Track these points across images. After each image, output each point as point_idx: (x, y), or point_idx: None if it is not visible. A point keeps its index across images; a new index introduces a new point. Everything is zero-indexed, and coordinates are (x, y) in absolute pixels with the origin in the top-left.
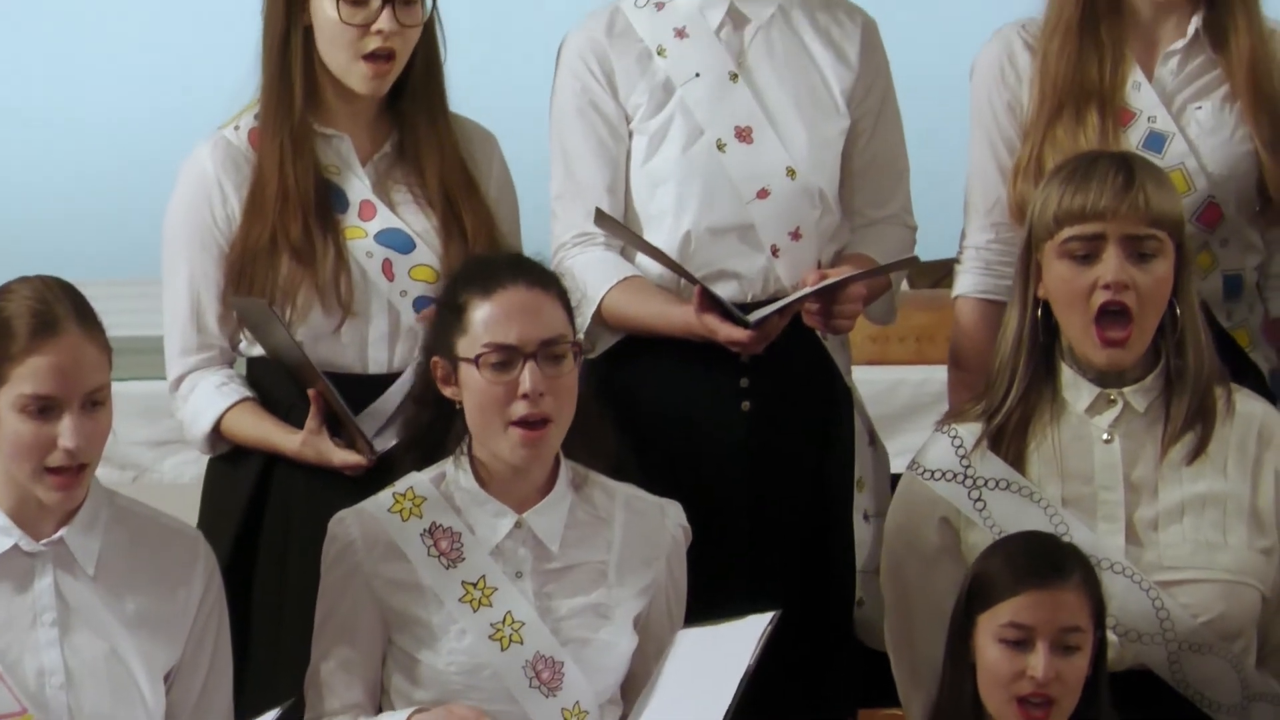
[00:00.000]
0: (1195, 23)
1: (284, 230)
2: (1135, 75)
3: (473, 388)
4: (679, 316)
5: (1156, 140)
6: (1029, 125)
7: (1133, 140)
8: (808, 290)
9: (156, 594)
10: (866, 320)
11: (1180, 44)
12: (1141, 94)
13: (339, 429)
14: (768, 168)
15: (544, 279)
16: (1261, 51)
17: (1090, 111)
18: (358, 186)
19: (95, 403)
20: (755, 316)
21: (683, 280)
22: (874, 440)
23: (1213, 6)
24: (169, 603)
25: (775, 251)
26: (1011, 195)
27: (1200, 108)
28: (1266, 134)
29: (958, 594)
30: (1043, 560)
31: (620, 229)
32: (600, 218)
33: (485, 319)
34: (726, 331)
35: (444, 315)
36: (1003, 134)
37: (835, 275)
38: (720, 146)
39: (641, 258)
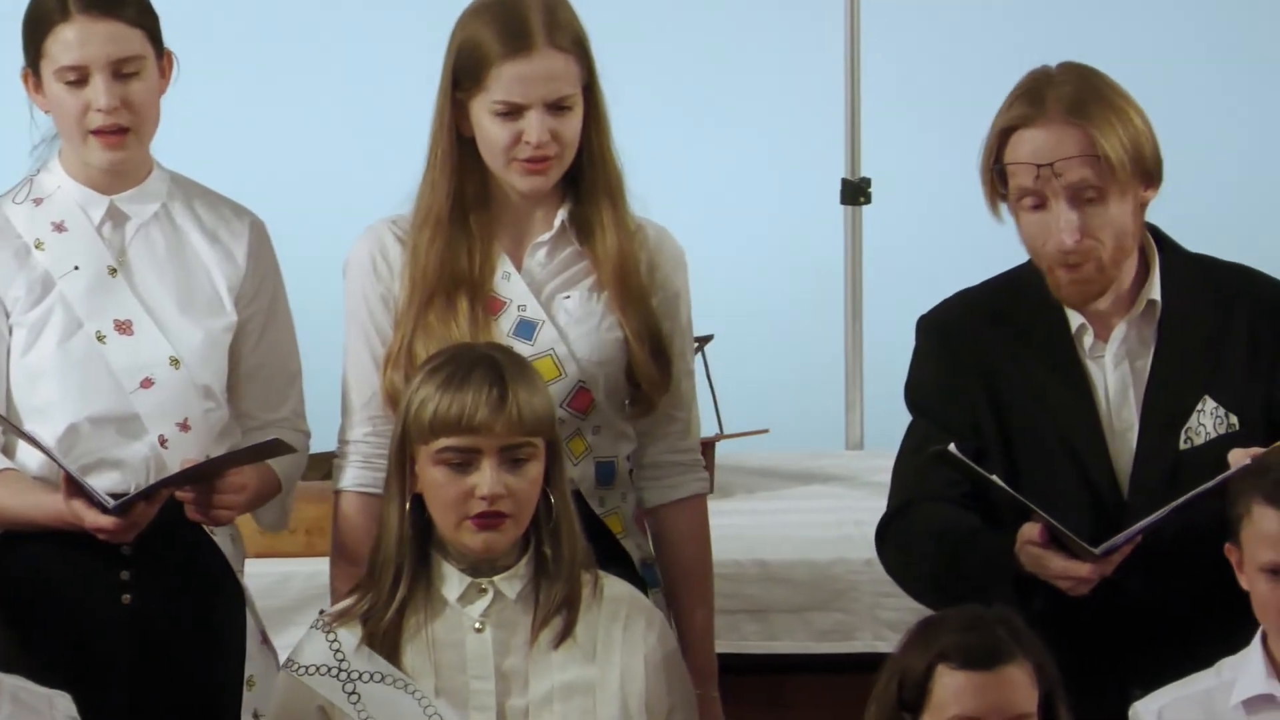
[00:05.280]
0: (562, 215)
1: None
2: (505, 265)
3: None
4: (50, 505)
5: (527, 328)
6: (400, 315)
7: (504, 328)
8: (167, 477)
9: None
10: (258, 526)
11: (547, 236)
12: (511, 283)
13: None
14: (150, 359)
15: None
16: (627, 247)
17: (461, 299)
18: None
19: None
20: (116, 503)
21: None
22: (266, 639)
23: (578, 200)
24: None
25: (163, 442)
26: (383, 384)
27: (568, 297)
28: (635, 325)
29: None
30: None
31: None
32: None
33: None
34: (92, 518)
35: None
36: (377, 327)
37: (193, 462)
38: (100, 338)
39: (25, 450)
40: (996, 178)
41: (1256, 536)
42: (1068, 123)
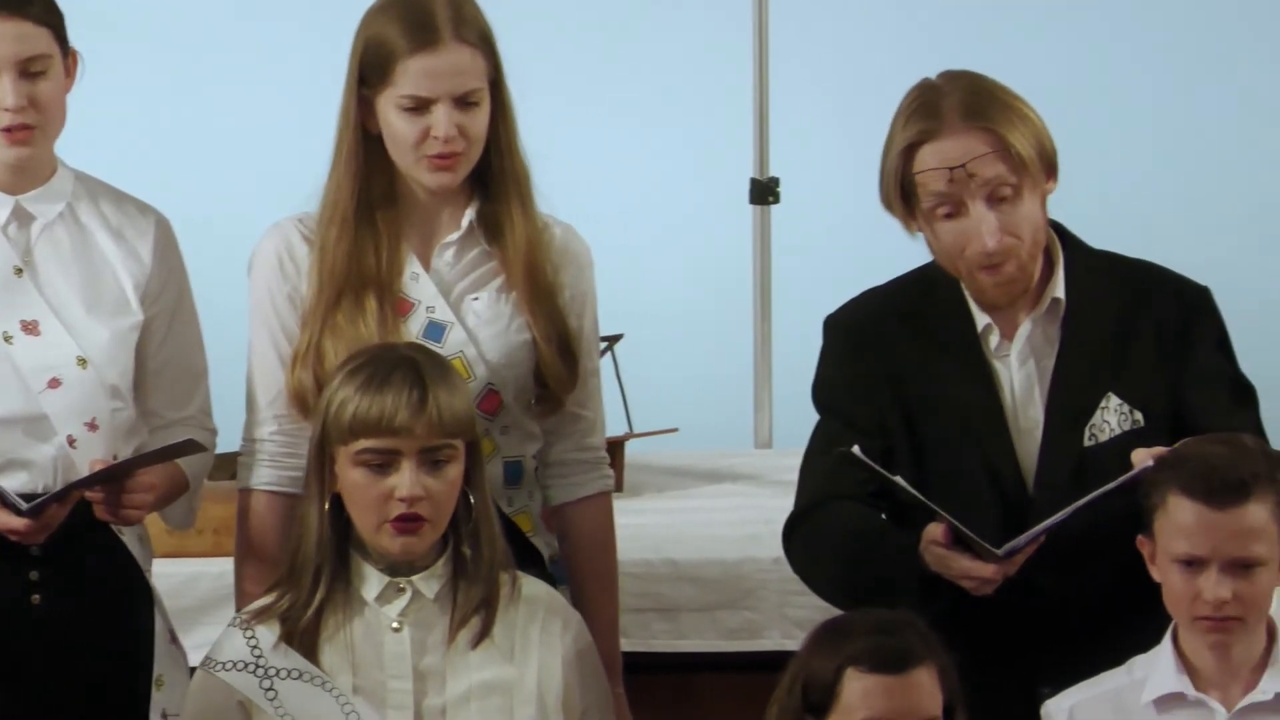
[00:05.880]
0: (470, 214)
1: None
2: (413, 266)
3: None
4: None
5: (436, 330)
6: (308, 314)
7: (413, 329)
8: (78, 479)
9: None
10: (166, 524)
11: (455, 236)
12: (420, 284)
13: None
14: (57, 359)
15: None
16: (536, 243)
17: (369, 299)
18: None
19: None
20: (30, 505)
21: None
22: (175, 639)
23: (487, 199)
24: None
25: (72, 442)
26: (290, 383)
27: (477, 298)
28: (543, 325)
29: None
30: None
31: None
32: None
33: None
34: (4, 519)
35: None
36: (283, 325)
37: (103, 463)
38: (7, 339)
39: None
40: (905, 194)
41: (1171, 528)
42: (970, 127)
